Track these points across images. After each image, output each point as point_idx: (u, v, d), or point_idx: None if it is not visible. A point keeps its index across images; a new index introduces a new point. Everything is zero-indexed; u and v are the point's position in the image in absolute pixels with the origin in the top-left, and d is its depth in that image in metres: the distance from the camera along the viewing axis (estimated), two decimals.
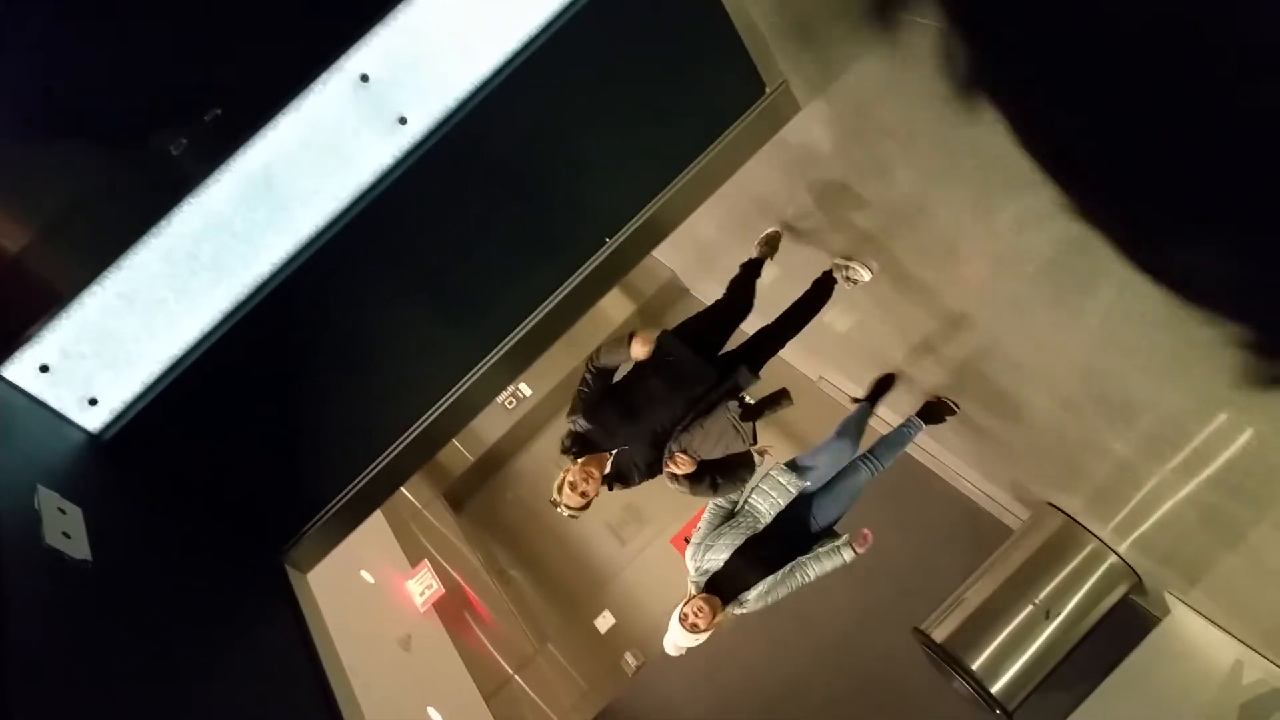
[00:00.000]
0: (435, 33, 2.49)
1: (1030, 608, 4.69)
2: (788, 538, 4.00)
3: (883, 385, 5.23)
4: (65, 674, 1.71)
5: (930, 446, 5.88)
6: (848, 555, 3.90)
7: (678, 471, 3.66)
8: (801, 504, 4.11)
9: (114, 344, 2.43)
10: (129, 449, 2.51)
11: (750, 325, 4.36)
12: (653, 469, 3.76)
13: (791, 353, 6.78)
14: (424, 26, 2.47)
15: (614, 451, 3.75)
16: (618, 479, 3.71)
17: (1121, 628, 4.66)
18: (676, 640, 3.91)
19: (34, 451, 2.23)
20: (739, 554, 3.91)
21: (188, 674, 2.10)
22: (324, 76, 2.40)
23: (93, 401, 2.47)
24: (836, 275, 4.47)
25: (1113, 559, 4.66)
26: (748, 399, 3.94)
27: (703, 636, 3.82)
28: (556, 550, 7.79)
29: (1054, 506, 4.93)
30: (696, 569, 3.98)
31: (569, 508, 3.61)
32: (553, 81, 2.67)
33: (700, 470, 3.73)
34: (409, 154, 2.56)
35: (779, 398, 4.02)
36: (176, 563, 2.48)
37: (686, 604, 3.84)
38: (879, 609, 5.92)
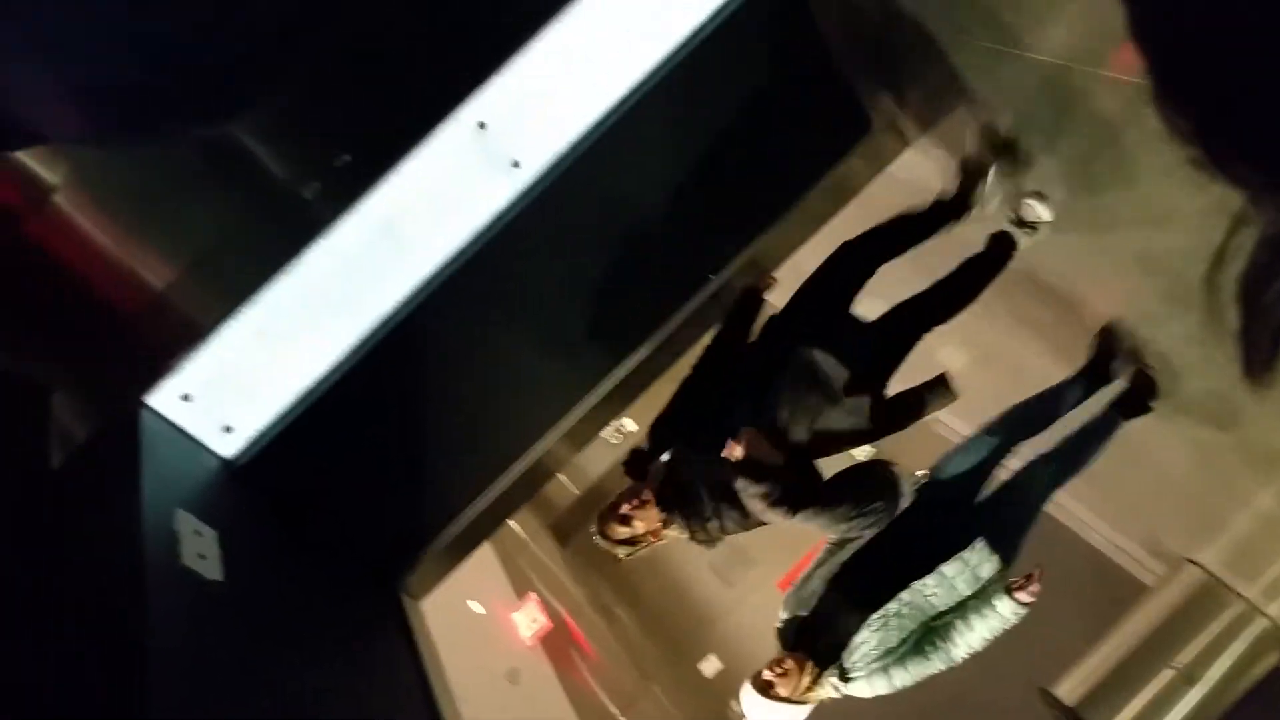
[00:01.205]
0: (549, 80, 2.59)
1: (1170, 673, 4.37)
2: (902, 557, 2.88)
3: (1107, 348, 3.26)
4: (197, 685, 1.81)
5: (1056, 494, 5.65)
6: (1007, 609, 2.88)
7: (731, 455, 2.53)
8: (934, 512, 3.02)
9: (249, 375, 2.58)
10: (260, 475, 2.65)
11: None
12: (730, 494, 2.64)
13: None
14: (539, 75, 2.57)
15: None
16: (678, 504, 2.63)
17: (1274, 698, 4.34)
18: (756, 714, 2.90)
19: (174, 476, 2.38)
20: (834, 585, 2.92)
21: (306, 693, 2.19)
22: (445, 124, 2.53)
23: (228, 429, 2.62)
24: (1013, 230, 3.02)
25: (1262, 622, 4.33)
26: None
27: (796, 711, 2.86)
28: (661, 589, 7.76)
29: (1194, 562, 4.64)
30: (785, 618, 3.06)
31: (607, 539, 2.68)
32: (661, 123, 2.74)
33: (779, 470, 2.54)
34: (522, 196, 2.66)
35: (935, 387, 2.93)
36: (300, 586, 2.60)
37: (769, 665, 2.87)
38: (1000, 667, 5.65)
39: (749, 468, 2.50)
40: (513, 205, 2.67)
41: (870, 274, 3.02)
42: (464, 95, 2.52)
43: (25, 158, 2.06)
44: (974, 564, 2.92)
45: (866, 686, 2.85)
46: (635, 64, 2.64)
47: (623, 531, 2.62)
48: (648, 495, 2.60)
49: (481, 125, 2.56)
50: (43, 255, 2.19)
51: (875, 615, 2.79)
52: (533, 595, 7.06)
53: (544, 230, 2.73)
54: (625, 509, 2.60)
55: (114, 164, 2.21)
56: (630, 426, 8.06)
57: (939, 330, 3.09)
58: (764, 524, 2.67)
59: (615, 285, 2.95)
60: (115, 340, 2.41)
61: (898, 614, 2.82)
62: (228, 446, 2.64)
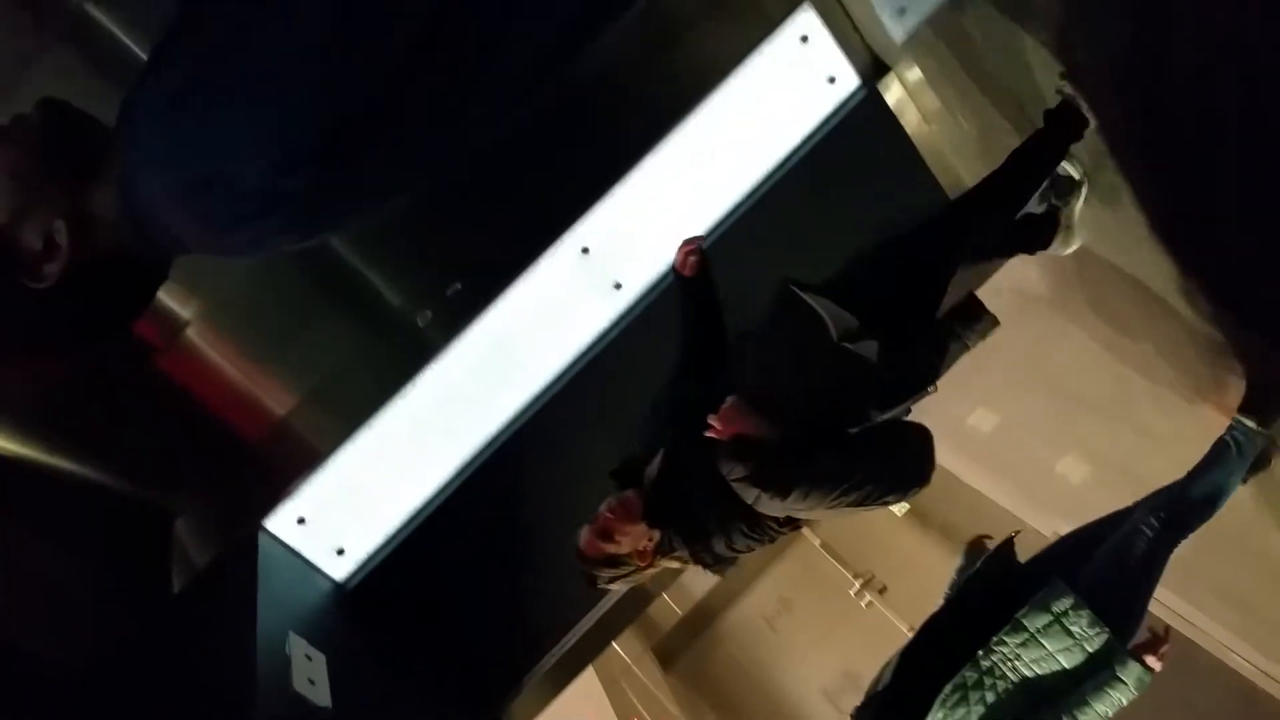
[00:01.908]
0: (648, 205, 2.67)
1: None
2: (977, 617, 2.45)
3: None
4: None
5: (1187, 612, 5.30)
6: (1132, 677, 2.32)
7: (715, 429, 2.00)
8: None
9: (362, 498, 2.65)
10: (369, 598, 2.69)
11: None
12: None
13: (1020, 506, 6.40)
14: (638, 201, 2.66)
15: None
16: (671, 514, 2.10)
17: None
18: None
19: (288, 599, 2.42)
20: (903, 658, 2.51)
21: None
22: (551, 250, 2.62)
23: (340, 552, 2.68)
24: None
25: None
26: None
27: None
28: (768, 715, 7.46)
29: None
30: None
31: (585, 559, 2.13)
32: (756, 240, 2.78)
33: (773, 445, 2.01)
34: (624, 316, 2.72)
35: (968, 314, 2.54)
36: (405, 711, 2.58)
37: None
38: None
39: (736, 446, 2.00)
40: (615, 325, 2.72)
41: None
42: (569, 223, 2.61)
43: (162, 295, 2.21)
44: (1072, 626, 2.38)
45: None
46: (730, 189, 2.72)
47: (605, 549, 2.08)
48: (633, 503, 2.08)
49: (585, 250, 2.64)
50: (173, 387, 2.32)
51: (948, 686, 2.31)
52: None
53: (645, 349, 2.76)
54: (606, 521, 2.07)
55: (241, 299, 2.35)
56: None
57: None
58: (782, 532, 2.15)
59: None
60: (238, 466, 2.51)
61: (978, 684, 2.33)
62: (339, 569, 2.69)
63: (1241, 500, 3.58)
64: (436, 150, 1.01)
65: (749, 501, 2.00)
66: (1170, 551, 2.60)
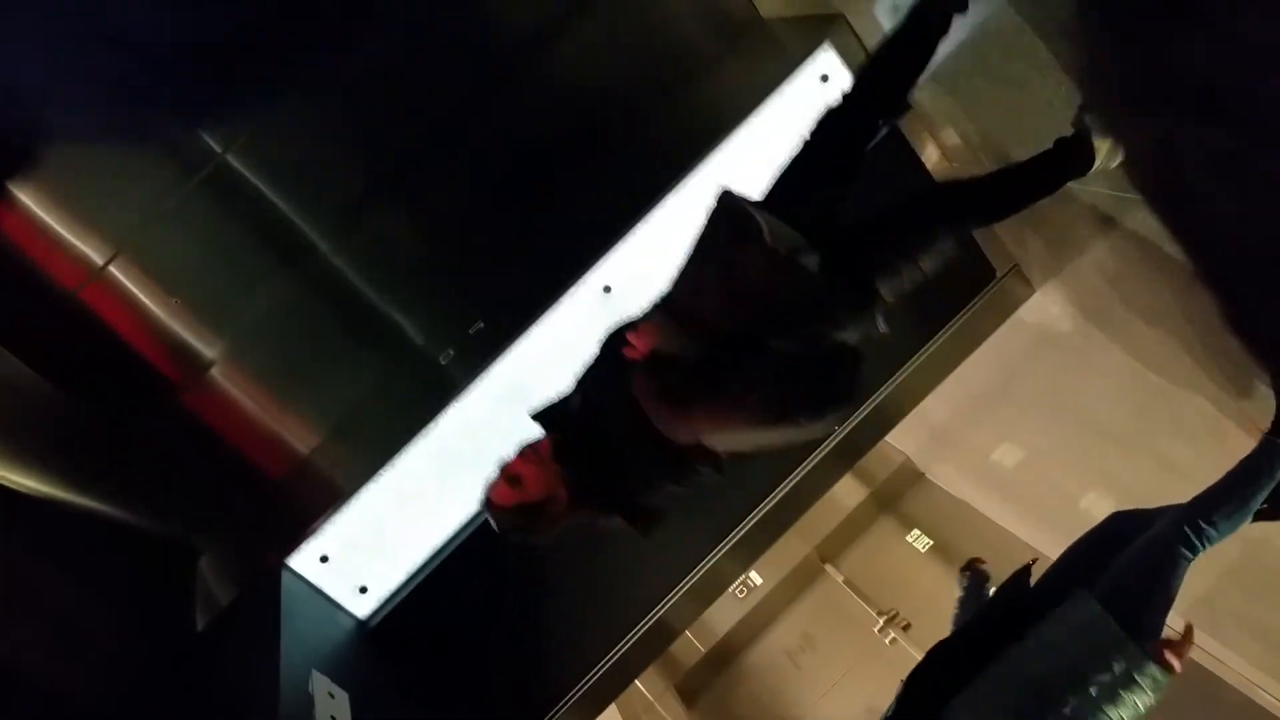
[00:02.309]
0: (673, 244, 2.68)
1: None
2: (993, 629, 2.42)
3: None
4: None
5: (1213, 648, 5.21)
6: (1148, 680, 2.23)
7: (632, 347, 1.80)
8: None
9: (384, 536, 2.66)
10: (392, 635, 2.69)
11: None
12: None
13: (1044, 542, 6.33)
14: (662, 239, 2.67)
15: None
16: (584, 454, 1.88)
17: None
18: None
19: (311, 637, 2.42)
20: (911, 678, 2.53)
21: None
22: (573, 289, 2.64)
23: (363, 589, 2.68)
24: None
25: None
26: None
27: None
28: None
29: None
30: None
31: (493, 509, 1.90)
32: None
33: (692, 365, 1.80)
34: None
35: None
36: None
37: None
38: None
39: (651, 364, 1.78)
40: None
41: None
42: (591, 262, 2.63)
43: (188, 335, 2.24)
44: (1084, 630, 2.30)
45: None
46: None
47: (513, 496, 1.86)
48: (543, 445, 1.88)
49: (607, 289, 2.66)
50: (198, 425, 2.35)
51: (956, 700, 2.24)
52: None
53: None
54: (514, 464, 1.87)
55: (266, 338, 2.38)
56: (757, 580, 7.87)
57: None
58: (707, 473, 1.89)
59: None
60: (261, 505, 2.53)
61: (989, 695, 2.24)
62: (362, 607, 2.69)
63: (1269, 536, 3.53)
64: None
65: (660, 427, 1.78)
66: (1188, 562, 2.53)
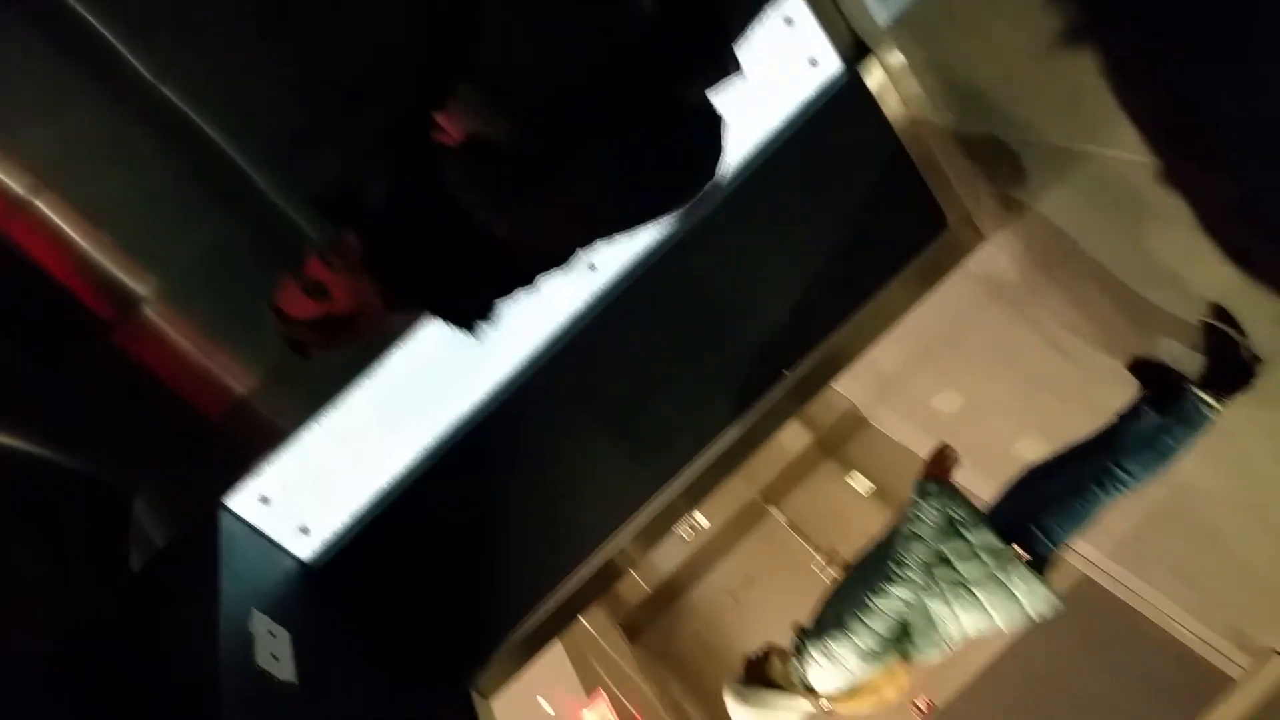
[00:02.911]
0: None
1: None
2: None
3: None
4: None
5: (1135, 585, 5.44)
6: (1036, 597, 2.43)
7: (442, 131, 1.54)
8: None
9: (327, 477, 2.62)
10: (334, 577, 2.67)
11: None
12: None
13: (979, 485, 6.49)
14: None
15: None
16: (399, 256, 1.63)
17: None
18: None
19: (250, 578, 2.40)
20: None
21: None
22: None
23: (305, 531, 2.65)
24: None
25: None
26: None
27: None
28: None
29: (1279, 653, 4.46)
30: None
31: (286, 320, 1.65)
32: (737, 226, 2.77)
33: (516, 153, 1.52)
34: (598, 298, 2.70)
35: None
36: (372, 686, 2.58)
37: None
38: None
39: (467, 153, 1.50)
40: (590, 308, 2.71)
41: None
42: None
43: (116, 270, 2.16)
44: (963, 529, 2.47)
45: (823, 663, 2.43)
46: None
47: (312, 308, 1.60)
48: (351, 247, 1.60)
49: None
50: (130, 364, 2.27)
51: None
52: (602, 692, 6.93)
53: (620, 331, 2.75)
54: (317, 271, 1.58)
55: (200, 273, 2.30)
56: (703, 522, 7.98)
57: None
58: (541, 275, 1.69)
59: (689, 382, 2.95)
60: (197, 444, 2.47)
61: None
62: (304, 548, 2.67)
63: (1195, 480, 3.66)
64: None
65: (495, 228, 1.55)
66: (1102, 501, 2.67)
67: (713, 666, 7.72)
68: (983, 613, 2.41)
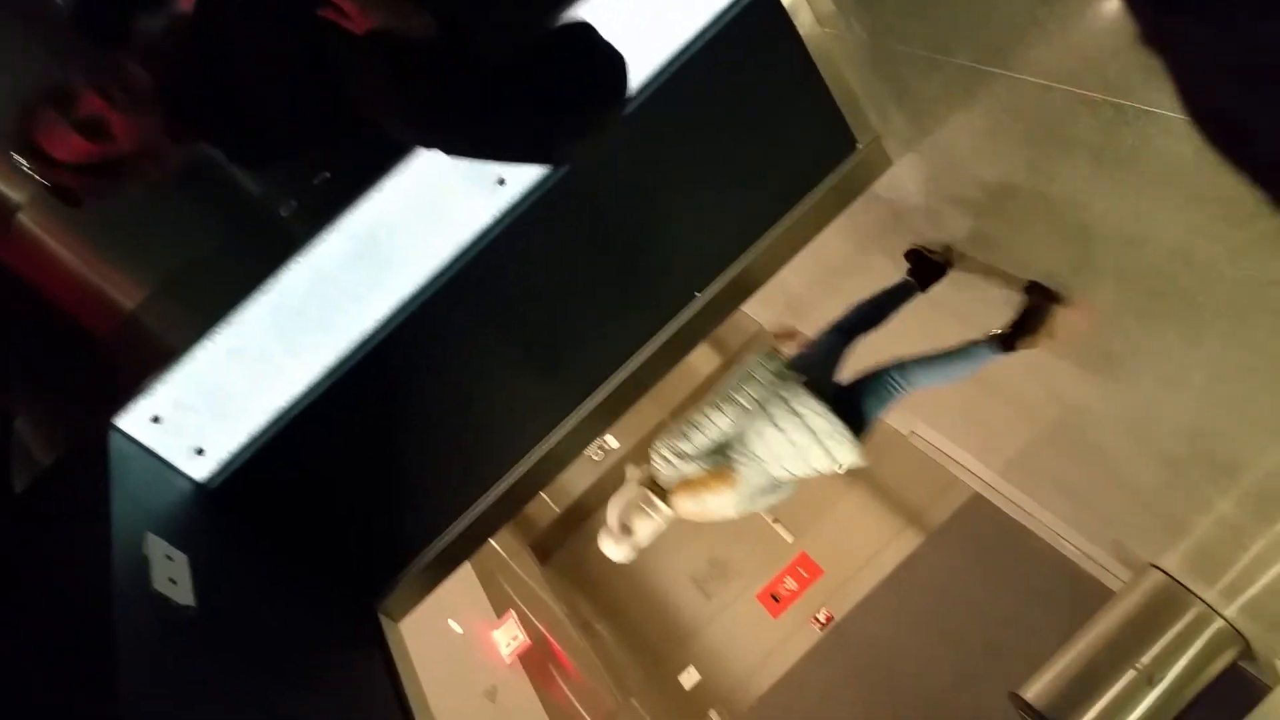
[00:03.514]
0: None
1: (1132, 673, 4.46)
2: None
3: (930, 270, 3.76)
4: (169, 712, 1.76)
5: (1025, 503, 5.70)
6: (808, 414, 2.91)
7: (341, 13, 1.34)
8: None
9: (222, 396, 2.53)
10: (232, 498, 2.60)
11: None
12: None
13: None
14: None
15: None
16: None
17: (1229, 696, 4.40)
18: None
19: (144, 499, 2.32)
20: None
21: (283, 717, 2.14)
22: None
23: (200, 451, 2.57)
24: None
25: (1219, 623, 4.41)
26: None
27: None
28: (641, 604, 7.74)
29: (1157, 568, 4.73)
30: None
31: (36, 159, 1.35)
32: (646, 142, 2.72)
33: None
34: (506, 214, 2.63)
35: None
36: (276, 609, 2.54)
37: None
38: (974, 671, 5.72)
39: (367, 46, 1.35)
40: (497, 223, 2.64)
41: None
42: None
43: None
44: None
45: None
46: None
47: (86, 151, 1.34)
48: (142, 86, 1.36)
49: None
50: (6, 277, 2.14)
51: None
52: (512, 613, 7.01)
53: (528, 248, 2.70)
54: (94, 105, 1.32)
55: None
56: (613, 444, 8.05)
57: None
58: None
59: (599, 303, 2.93)
60: (84, 362, 2.35)
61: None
62: (199, 469, 2.59)
63: (1089, 402, 3.83)
64: None
65: (375, 117, 1.42)
66: (893, 393, 3.36)
67: (623, 585, 7.89)
68: (792, 449, 2.92)
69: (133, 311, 2.37)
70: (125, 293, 2.32)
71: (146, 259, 2.40)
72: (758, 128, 2.88)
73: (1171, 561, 4.57)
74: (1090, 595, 5.33)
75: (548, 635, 7.44)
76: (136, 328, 2.38)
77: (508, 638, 6.84)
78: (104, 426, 2.40)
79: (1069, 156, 2.40)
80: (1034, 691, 4.67)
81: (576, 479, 8.02)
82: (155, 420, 2.48)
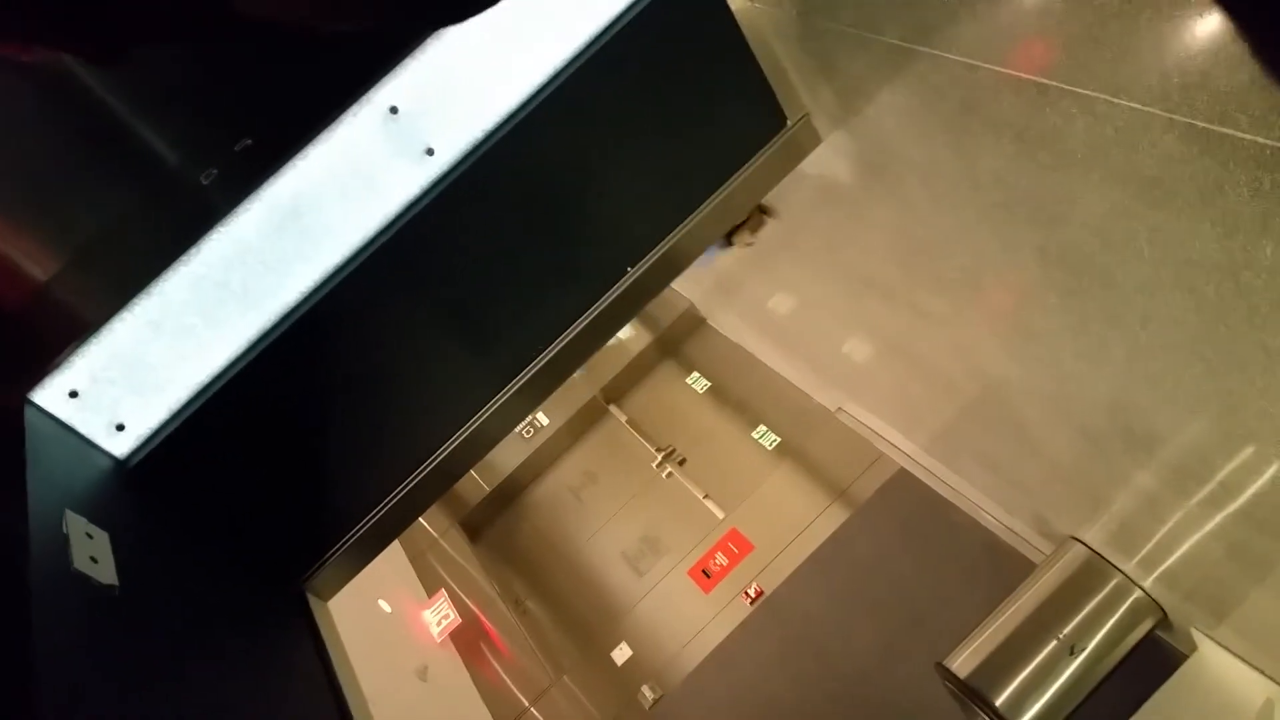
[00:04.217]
0: (463, 66, 2.53)
1: (1054, 643, 4.61)
2: None
3: None
4: (91, 696, 1.72)
5: (949, 477, 5.85)
6: None
7: None
8: None
9: (142, 370, 2.46)
10: (154, 475, 2.53)
11: None
12: None
13: (810, 383, 6.79)
14: (453, 60, 2.51)
15: None
16: None
17: (1147, 664, 4.58)
18: None
19: (62, 477, 2.24)
20: None
21: (211, 699, 2.10)
22: (354, 108, 2.44)
23: (120, 427, 2.49)
24: None
25: (1137, 594, 4.59)
26: None
27: None
28: (573, 582, 7.76)
29: (1077, 540, 4.88)
30: None
31: None
32: (577, 115, 2.71)
33: None
34: (435, 185, 2.60)
35: None
36: (201, 588, 2.49)
37: None
38: (900, 643, 5.86)
39: None
40: (425, 193, 2.60)
41: None
42: (375, 78, 2.44)
43: None
44: None
45: None
46: (552, 54, 2.61)
47: None
48: None
49: (393, 110, 2.48)
50: None
51: None
52: (443, 592, 6.98)
53: (457, 221, 2.67)
54: None
55: None
56: (543, 421, 8.04)
57: None
58: None
59: (530, 279, 2.91)
60: None
61: None
62: (119, 445, 2.51)
63: (1010, 377, 3.94)
64: None
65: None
66: None
67: (555, 564, 7.90)
68: None
69: (46, 283, 2.28)
70: (38, 263, 2.24)
71: (59, 228, 2.31)
72: (689, 103, 2.88)
73: (1091, 534, 4.73)
74: (1013, 567, 5.48)
75: (479, 614, 7.42)
76: (50, 300, 2.29)
77: (438, 617, 6.81)
78: (18, 402, 2.32)
79: (994, 135, 2.45)
80: (959, 662, 4.81)
81: (507, 457, 7.99)
82: (73, 395, 2.40)
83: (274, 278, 2.51)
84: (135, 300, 2.39)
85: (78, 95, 2.16)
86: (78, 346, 2.37)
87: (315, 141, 2.43)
